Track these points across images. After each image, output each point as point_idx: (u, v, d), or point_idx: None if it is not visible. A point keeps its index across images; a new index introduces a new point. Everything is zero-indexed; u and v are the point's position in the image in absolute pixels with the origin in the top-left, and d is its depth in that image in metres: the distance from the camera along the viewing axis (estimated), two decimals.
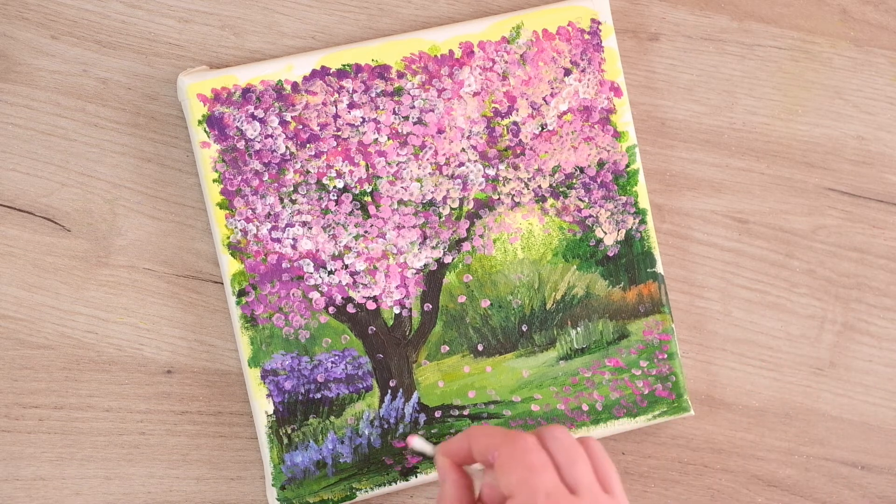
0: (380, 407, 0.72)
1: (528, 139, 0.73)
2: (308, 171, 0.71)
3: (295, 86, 0.71)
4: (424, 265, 0.72)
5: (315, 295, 0.71)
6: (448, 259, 0.73)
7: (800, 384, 0.77)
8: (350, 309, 0.72)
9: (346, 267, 0.72)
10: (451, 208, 0.73)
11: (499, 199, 0.73)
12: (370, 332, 0.72)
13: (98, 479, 0.72)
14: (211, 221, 0.71)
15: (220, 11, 0.73)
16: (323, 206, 0.72)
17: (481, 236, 0.73)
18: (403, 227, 0.72)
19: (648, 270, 0.74)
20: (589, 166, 0.74)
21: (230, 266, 0.71)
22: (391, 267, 0.72)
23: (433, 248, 0.72)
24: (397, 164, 0.72)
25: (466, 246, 0.73)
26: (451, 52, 0.72)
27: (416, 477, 0.72)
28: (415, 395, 0.72)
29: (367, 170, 0.72)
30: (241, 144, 0.71)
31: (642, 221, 0.74)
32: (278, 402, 0.71)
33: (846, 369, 0.77)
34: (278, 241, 0.71)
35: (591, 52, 0.73)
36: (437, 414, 0.73)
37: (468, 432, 0.64)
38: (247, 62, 0.73)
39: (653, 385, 0.74)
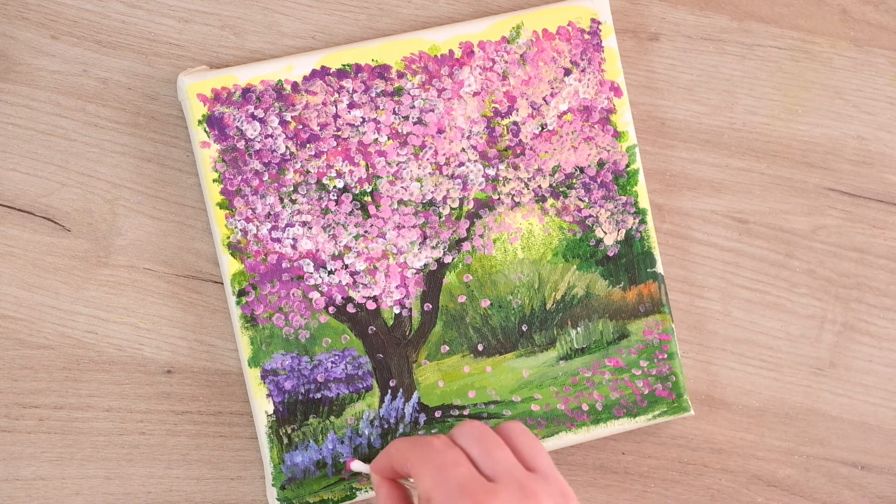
0: (380, 407, 0.72)
1: (528, 139, 0.73)
2: (308, 171, 0.71)
3: (295, 86, 0.71)
4: (424, 265, 0.72)
5: (315, 295, 0.72)
6: (448, 259, 0.73)
7: (800, 384, 0.77)
8: (350, 309, 0.72)
9: (346, 267, 0.72)
10: (451, 208, 0.73)
11: (499, 199, 0.73)
12: (370, 332, 0.72)
13: (98, 479, 0.72)
14: (211, 221, 0.71)
15: (220, 11, 0.73)
16: (323, 206, 0.72)
17: (481, 236, 0.73)
18: (403, 226, 0.72)
19: (648, 270, 0.74)
20: (589, 166, 0.74)
21: (230, 266, 0.71)
22: (391, 267, 0.72)
23: (433, 247, 0.72)
24: (397, 164, 0.72)
25: (466, 246, 0.73)
26: (451, 52, 0.72)
27: None
28: (415, 395, 0.72)
29: (367, 170, 0.72)
30: (241, 144, 0.71)
31: (642, 221, 0.74)
32: (278, 402, 0.71)
33: (846, 369, 0.77)
34: (278, 241, 0.71)
35: (591, 52, 0.73)
36: (437, 414, 0.73)
37: (387, 448, 0.64)
38: (247, 62, 0.73)
39: (653, 385, 0.74)
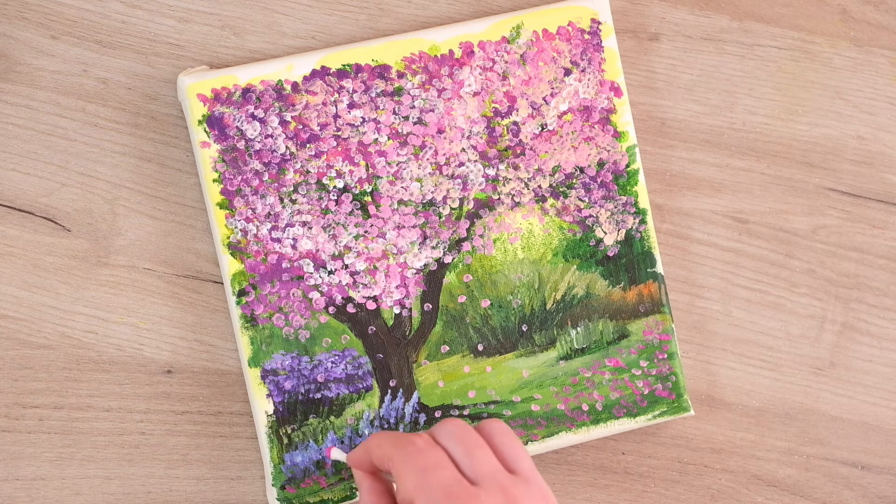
0: (380, 407, 0.72)
1: (528, 139, 0.73)
2: (308, 171, 0.71)
3: (295, 86, 0.71)
4: (424, 265, 0.72)
5: (315, 295, 0.72)
6: (448, 259, 0.73)
7: (800, 384, 0.77)
8: (350, 309, 0.72)
9: (346, 267, 0.72)
10: (451, 208, 0.73)
11: (499, 199, 0.73)
12: (370, 331, 0.72)
13: (98, 479, 0.72)
14: (211, 221, 0.71)
15: (220, 11, 0.73)
16: (323, 206, 0.72)
17: (481, 236, 0.73)
18: (403, 227, 0.72)
19: (648, 270, 0.74)
20: (589, 166, 0.74)
21: (230, 266, 0.71)
22: (391, 267, 0.72)
23: (433, 248, 0.72)
24: (397, 164, 0.72)
25: (466, 246, 0.73)
26: (451, 52, 0.72)
27: None
28: (415, 395, 0.72)
29: (367, 170, 0.72)
30: (241, 144, 0.71)
31: (642, 221, 0.74)
32: (278, 402, 0.71)
33: (846, 369, 0.77)
34: (278, 240, 0.71)
35: (591, 52, 0.73)
36: (438, 414, 0.73)
37: (367, 441, 0.64)
38: (247, 62, 0.73)
39: (653, 385, 0.74)
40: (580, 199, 0.74)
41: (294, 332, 0.71)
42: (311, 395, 0.72)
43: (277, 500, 0.71)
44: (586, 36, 0.73)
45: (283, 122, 0.71)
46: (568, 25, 0.73)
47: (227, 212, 0.71)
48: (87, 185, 0.73)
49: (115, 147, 0.73)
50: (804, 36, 0.77)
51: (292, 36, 0.74)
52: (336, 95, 0.72)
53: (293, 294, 0.71)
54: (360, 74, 0.72)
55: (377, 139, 0.72)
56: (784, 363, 0.77)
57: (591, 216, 0.74)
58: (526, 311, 0.73)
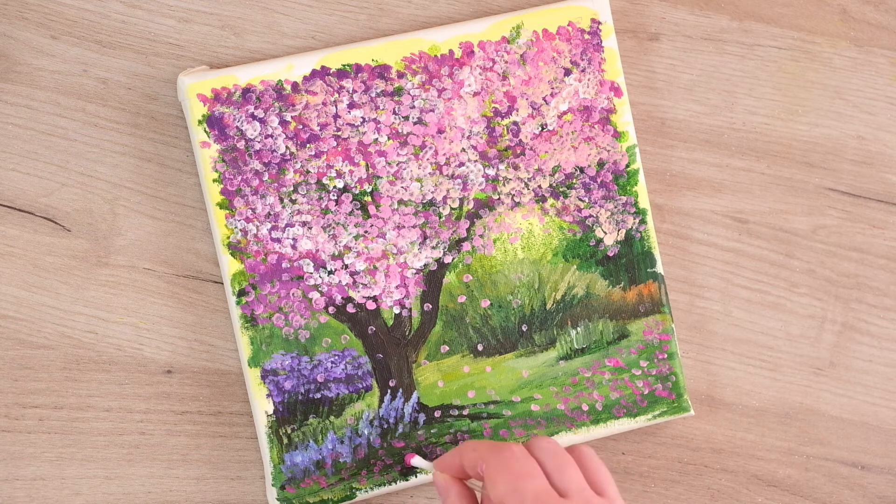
0: (379, 407, 0.72)
1: (528, 139, 0.73)
2: (308, 171, 0.71)
3: (295, 86, 0.71)
4: (424, 265, 0.72)
5: (315, 295, 0.72)
6: (448, 259, 0.73)
7: (800, 384, 0.77)
8: (350, 309, 0.72)
9: (346, 267, 0.72)
10: (451, 208, 0.73)
11: (499, 199, 0.73)
12: (370, 332, 0.72)
13: (98, 479, 0.72)
14: (211, 221, 0.71)
15: (220, 11, 0.73)
16: (323, 206, 0.72)
17: (481, 236, 0.73)
18: (403, 227, 0.72)
19: (648, 270, 0.74)
20: (589, 166, 0.74)
21: (230, 266, 0.71)
22: (391, 267, 0.72)
23: (433, 248, 0.72)
24: (397, 164, 0.72)
25: (466, 246, 0.73)
26: (451, 52, 0.72)
27: (416, 477, 0.72)
28: (414, 395, 0.72)
29: (367, 170, 0.72)
30: (241, 144, 0.71)
31: (642, 221, 0.74)
32: (278, 402, 0.71)
33: (846, 369, 0.77)
34: (278, 241, 0.71)
35: (591, 52, 0.73)
36: (437, 414, 0.73)
37: (459, 447, 0.65)
38: (247, 62, 0.73)
39: (653, 385, 0.74)
40: (580, 199, 0.74)
41: (294, 332, 0.71)
42: (310, 395, 0.72)
43: (277, 500, 0.71)
44: (586, 36, 0.73)
45: (283, 122, 0.71)
46: (568, 25, 0.73)
47: (227, 212, 0.71)
48: (87, 185, 0.73)
49: (115, 147, 0.73)
50: (804, 36, 0.77)
51: (292, 36, 0.74)
52: (336, 95, 0.72)
53: (293, 294, 0.71)
54: (360, 74, 0.72)
55: (377, 139, 0.72)
56: (784, 363, 0.77)
57: (591, 216, 0.74)
58: (526, 311, 0.73)
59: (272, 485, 0.71)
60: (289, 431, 0.71)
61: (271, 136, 0.71)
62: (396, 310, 0.72)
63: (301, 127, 0.71)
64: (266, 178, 0.71)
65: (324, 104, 0.71)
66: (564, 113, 0.73)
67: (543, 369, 0.73)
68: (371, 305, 0.72)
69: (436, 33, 0.72)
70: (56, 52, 0.73)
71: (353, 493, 0.72)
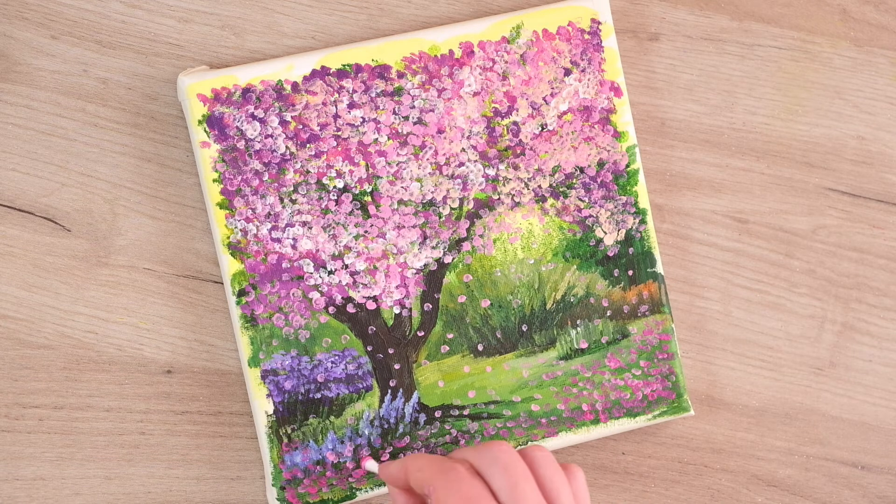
0: (380, 407, 0.72)
1: (528, 139, 0.73)
2: (308, 171, 0.71)
3: (295, 86, 0.71)
4: (424, 265, 0.72)
5: (315, 295, 0.72)
6: (448, 259, 0.73)
7: (800, 384, 0.77)
8: (350, 309, 0.72)
9: (346, 267, 0.72)
10: (451, 208, 0.73)
11: (499, 199, 0.73)
12: (370, 332, 0.72)
13: (98, 479, 0.72)
14: (211, 221, 0.71)
15: (220, 11, 0.73)
16: (323, 206, 0.72)
17: (481, 236, 0.73)
18: (403, 226, 0.72)
19: (648, 270, 0.74)
20: (589, 166, 0.74)
21: (230, 266, 0.71)
22: (391, 267, 0.72)
23: (433, 247, 0.72)
24: (397, 164, 0.72)
25: (466, 246, 0.73)
26: (451, 52, 0.72)
27: None
28: (415, 395, 0.72)
29: (367, 170, 0.72)
30: (241, 144, 0.71)
31: (642, 221, 0.74)
32: (278, 401, 0.71)
33: (846, 369, 0.77)
34: (278, 241, 0.71)
35: (591, 52, 0.73)
36: (438, 414, 0.73)
37: (405, 461, 0.64)
38: (247, 62, 0.73)
39: (653, 385, 0.74)
40: (580, 199, 0.74)
41: (294, 332, 0.71)
42: (311, 395, 0.72)
43: (277, 500, 0.71)
44: (586, 36, 0.73)
45: (283, 122, 0.71)
46: (568, 25, 0.73)
47: (227, 212, 0.71)
48: (87, 185, 0.73)
49: (115, 147, 0.73)
50: (804, 36, 0.77)
51: (292, 36, 0.74)
52: (336, 95, 0.72)
53: (293, 294, 0.71)
54: (360, 74, 0.72)
55: (377, 139, 0.72)
56: (784, 363, 0.77)
57: (591, 216, 0.74)
58: (526, 311, 0.73)
59: (272, 485, 0.71)
60: (289, 431, 0.71)
61: (271, 136, 0.71)
62: (396, 310, 0.72)
63: (301, 127, 0.71)
64: (266, 178, 0.71)
65: (324, 104, 0.71)
66: (564, 113, 0.73)
67: (543, 369, 0.73)
68: (371, 305, 0.72)
69: (436, 33, 0.72)
70: (56, 52, 0.73)
71: (353, 493, 0.72)
